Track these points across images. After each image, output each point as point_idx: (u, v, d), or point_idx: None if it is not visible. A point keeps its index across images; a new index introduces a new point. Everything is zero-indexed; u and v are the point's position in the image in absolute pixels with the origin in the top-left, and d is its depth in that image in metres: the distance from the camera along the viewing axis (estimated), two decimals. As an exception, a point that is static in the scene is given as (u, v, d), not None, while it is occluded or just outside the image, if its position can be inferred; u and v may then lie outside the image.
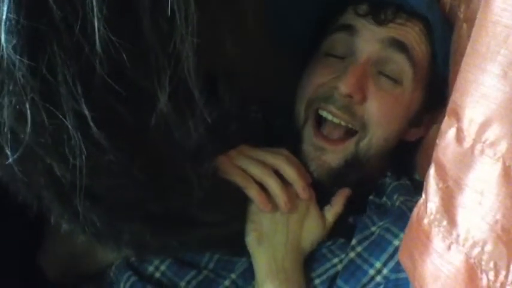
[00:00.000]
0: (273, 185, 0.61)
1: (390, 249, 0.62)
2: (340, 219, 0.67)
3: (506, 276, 0.38)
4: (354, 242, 0.64)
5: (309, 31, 0.69)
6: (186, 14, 0.40)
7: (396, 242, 0.62)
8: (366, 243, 0.63)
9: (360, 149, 0.65)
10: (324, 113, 0.65)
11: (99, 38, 0.37)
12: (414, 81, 0.65)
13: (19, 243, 0.66)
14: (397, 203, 0.66)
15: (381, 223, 0.64)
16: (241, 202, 0.62)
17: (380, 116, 0.64)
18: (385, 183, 0.70)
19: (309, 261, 0.65)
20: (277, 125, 0.67)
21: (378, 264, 0.61)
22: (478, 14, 0.44)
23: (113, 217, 0.51)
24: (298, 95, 0.67)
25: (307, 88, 0.66)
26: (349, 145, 0.65)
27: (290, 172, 0.61)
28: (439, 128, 0.63)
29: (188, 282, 0.66)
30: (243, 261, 0.66)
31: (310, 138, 0.66)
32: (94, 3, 0.36)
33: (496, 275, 0.39)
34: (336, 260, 0.64)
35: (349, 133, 0.66)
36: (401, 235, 0.61)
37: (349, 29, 0.65)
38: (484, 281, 0.40)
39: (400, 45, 0.63)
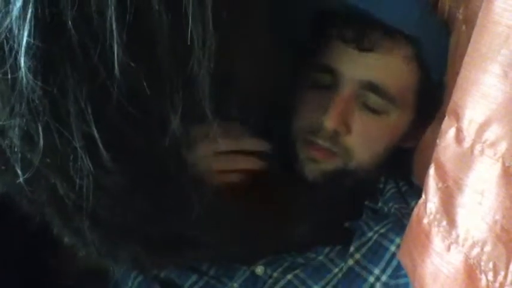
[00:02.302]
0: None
1: (387, 256, 0.62)
2: (337, 225, 0.67)
3: (505, 277, 0.38)
4: (352, 249, 0.64)
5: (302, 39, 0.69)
6: (204, 39, 0.40)
7: (392, 248, 0.62)
8: (363, 250, 0.64)
9: (348, 167, 0.65)
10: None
11: (118, 63, 0.38)
12: (400, 109, 0.65)
13: (25, 241, 0.66)
14: (392, 210, 0.66)
15: (377, 228, 0.65)
16: (240, 224, 0.61)
17: (364, 145, 0.65)
18: (381, 189, 0.70)
19: (310, 271, 0.65)
20: (276, 126, 0.67)
21: (376, 271, 0.62)
22: (479, 14, 0.44)
23: (112, 237, 0.51)
24: (292, 122, 0.68)
25: (298, 120, 0.67)
26: (339, 162, 0.65)
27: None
28: (434, 130, 0.63)
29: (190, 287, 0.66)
30: (243, 269, 0.67)
31: (303, 152, 0.66)
32: (114, 28, 0.37)
33: (495, 276, 0.39)
34: (336, 270, 0.64)
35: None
36: (398, 240, 0.62)
37: (332, 70, 0.64)
38: (483, 282, 0.40)
39: (376, 89, 0.63)
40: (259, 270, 0.66)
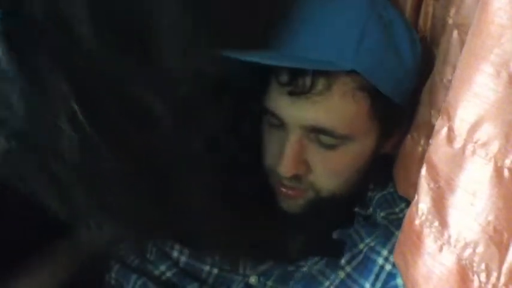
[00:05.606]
0: None
1: (375, 269, 0.61)
2: (325, 235, 0.66)
3: (498, 278, 0.38)
4: (343, 261, 0.63)
5: None
6: (195, 35, 0.40)
7: (380, 260, 0.61)
8: (354, 263, 0.63)
9: (321, 197, 0.63)
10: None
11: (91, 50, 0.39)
12: (358, 139, 0.60)
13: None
14: (379, 219, 0.64)
15: (368, 240, 0.63)
16: (236, 230, 0.61)
17: (329, 178, 0.62)
18: (371, 195, 0.68)
19: (302, 284, 0.64)
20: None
21: (367, 286, 0.61)
22: (475, 14, 0.44)
23: (111, 218, 0.51)
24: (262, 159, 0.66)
25: (264, 159, 0.65)
26: (310, 195, 0.64)
27: None
28: (410, 141, 0.60)
29: None
30: (239, 279, 0.67)
31: (276, 189, 0.65)
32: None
33: (488, 277, 0.39)
34: (327, 283, 0.63)
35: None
36: (384, 252, 0.61)
37: (275, 115, 0.61)
38: (476, 283, 0.39)
39: (323, 131, 0.59)
40: (253, 280, 0.66)
